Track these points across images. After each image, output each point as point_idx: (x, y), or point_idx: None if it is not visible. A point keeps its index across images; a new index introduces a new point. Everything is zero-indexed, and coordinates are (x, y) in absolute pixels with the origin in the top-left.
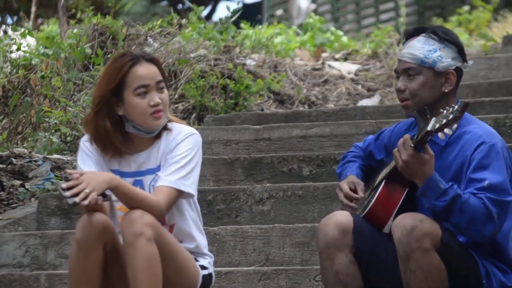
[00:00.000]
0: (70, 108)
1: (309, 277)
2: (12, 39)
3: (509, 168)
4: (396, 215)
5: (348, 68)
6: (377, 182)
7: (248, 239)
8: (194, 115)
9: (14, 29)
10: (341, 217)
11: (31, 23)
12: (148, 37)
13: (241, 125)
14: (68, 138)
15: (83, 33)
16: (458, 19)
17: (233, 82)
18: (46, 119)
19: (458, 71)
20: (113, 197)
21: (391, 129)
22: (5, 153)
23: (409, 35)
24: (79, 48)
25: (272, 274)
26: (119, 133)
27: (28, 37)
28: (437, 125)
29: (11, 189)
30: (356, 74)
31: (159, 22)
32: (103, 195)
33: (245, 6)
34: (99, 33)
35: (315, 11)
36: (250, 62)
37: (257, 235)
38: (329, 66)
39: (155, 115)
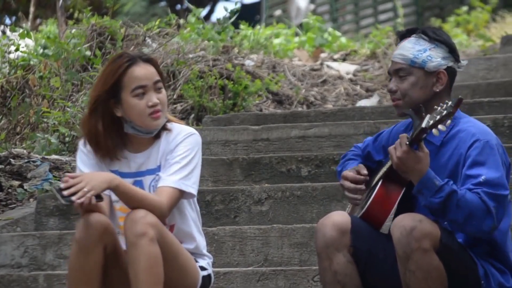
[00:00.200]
0: (68, 109)
1: (307, 277)
2: (10, 40)
3: (504, 165)
4: (395, 215)
5: (346, 68)
6: (374, 182)
7: (246, 239)
8: (192, 115)
9: (13, 29)
10: (339, 217)
11: (29, 23)
12: (146, 38)
13: (239, 125)
14: (67, 139)
15: (81, 34)
16: (457, 19)
17: (232, 82)
18: (45, 120)
19: (450, 71)
20: (113, 198)
21: (389, 130)
22: (3, 153)
23: (402, 36)
24: (78, 49)
25: (271, 275)
26: (114, 135)
27: (26, 38)
28: (431, 122)
29: (9, 190)
30: (354, 75)
31: (157, 22)
32: (98, 196)
33: (244, 6)
34: (98, 34)
35: (314, 12)
36: (248, 63)
37: (256, 236)
38: (328, 66)
39: (153, 116)
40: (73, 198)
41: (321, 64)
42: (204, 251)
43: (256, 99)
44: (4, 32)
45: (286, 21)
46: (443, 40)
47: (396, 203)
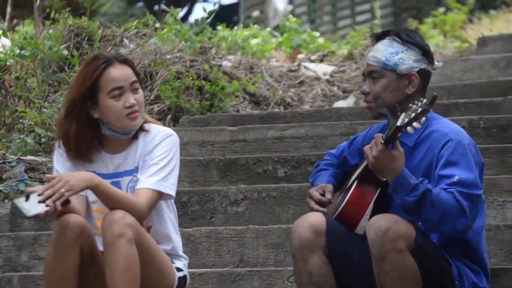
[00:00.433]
0: (44, 109)
1: (283, 278)
2: None
3: (477, 164)
4: (370, 215)
5: (323, 69)
6: (349, 183)
7: (222, 240)
8: (169, 116)
9: None
10: (314, 218)
11: (6, 24)
12: (124, 38)
13: (216, 126)
14: (43, 139)
15: (59, 34)
16: (434, 20)
17: (209, 83)
18: (21, 120)
19: (423, 73)
20: (90, 198)
21: (363, 133)
22: None
23: (377, 37)
24: (55, 49)
25: (246, 275)
26: (90, 137)
27: (3, 38)
28: (406, 120)
29: None
30: (331, 76)
31: (135, 23)
32: (67, 201)
33: (222, 7)
34: (75, 34)
35: (292, 13)
36: (226, 64)
37: (232, 237)
38: (305, 67)
39: (130, 116)
40: (48, 201)
41: (299, 65)
42: (180, 252)
43: (233, 100)
44: None
45: (261, 25)
46: (415, 43)
47: (371, 203)
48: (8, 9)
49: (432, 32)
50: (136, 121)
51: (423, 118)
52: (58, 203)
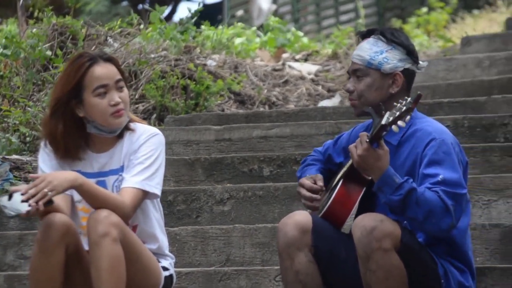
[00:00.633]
0: (29, 108)
1: (269, 277)
2: None
3: (461, 163)
4: (356, 214)
5: (308, 68)
6: (335, 182)
7: (208, 239)
8: (154, 115)
9: None
10: (300, 217)
11: None
12: (108, 37)
13: (201, 125)
14: (28, 139)
15: (42, 33)
16: (417, 20)
17: (194, 82)
18: (5, 119)
19: (407, 73)
20: (75, 198)
21: (349, 132)
22: None
23: (363, 36)
24: (38, 48)
25: (233, 275)
26: (76, 135)
27: None
28: (391, 118)
29: None
30: (316, 75)
31: (119, 22)
32: (50, 201)
33: (206, 6)
34: (59, 33)
35: (276, 12)
36: (210, 63)
37: (218, 236)
38: (290, 66)
39: (115, 114)
40: (30, 201)
41: (283, 64)
42: (167, 251)
43: (218, 99)
44: None
45: (245, 24)
46: (400, 42)
47: (357, 202)
48: None
49: (416, 31)
50: (121, 119)
51: (408, 117)
52: (40, 203)
